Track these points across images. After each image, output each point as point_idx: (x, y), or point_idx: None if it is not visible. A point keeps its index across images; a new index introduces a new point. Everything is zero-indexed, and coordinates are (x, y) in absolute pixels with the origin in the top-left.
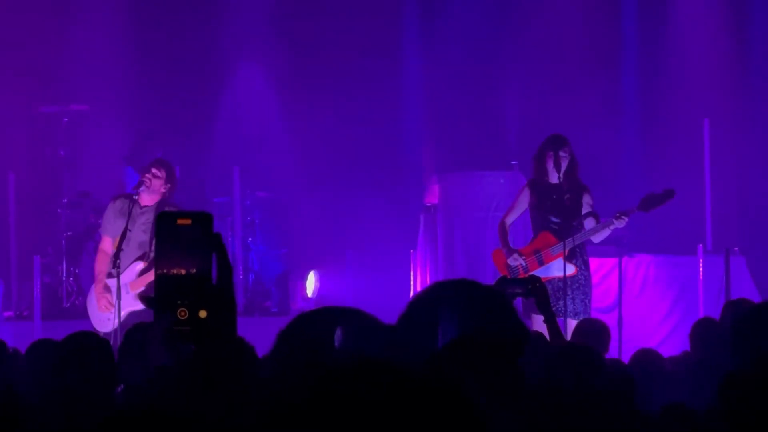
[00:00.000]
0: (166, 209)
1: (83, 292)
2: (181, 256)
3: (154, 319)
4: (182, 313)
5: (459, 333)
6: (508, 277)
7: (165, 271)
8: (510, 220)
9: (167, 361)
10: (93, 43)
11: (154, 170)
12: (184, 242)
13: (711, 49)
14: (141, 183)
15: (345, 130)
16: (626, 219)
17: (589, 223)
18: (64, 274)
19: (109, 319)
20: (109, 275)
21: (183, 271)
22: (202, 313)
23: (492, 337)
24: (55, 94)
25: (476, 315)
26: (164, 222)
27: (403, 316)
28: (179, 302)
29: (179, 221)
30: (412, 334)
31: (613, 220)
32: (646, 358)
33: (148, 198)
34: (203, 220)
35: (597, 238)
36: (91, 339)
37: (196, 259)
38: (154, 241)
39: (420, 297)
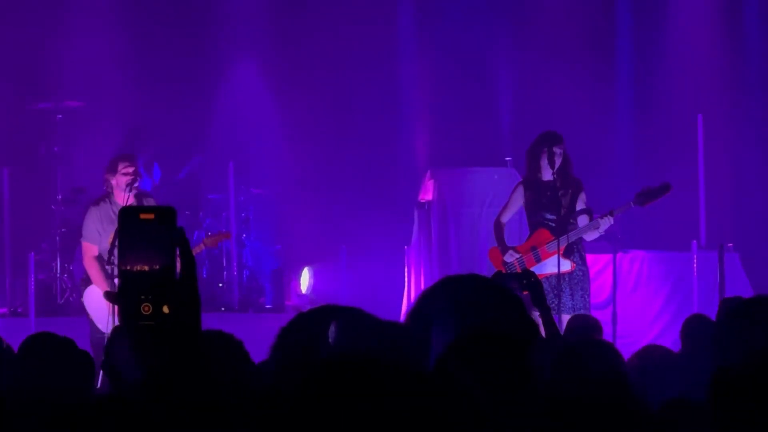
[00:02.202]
0: (145, 202)
1: (78, 289)
2: (144, 251)
3: (119, 316)
4: (146, 308)
5: (467, 328)
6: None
7: (128, 266)
8: (505, 218)
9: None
10: (87, 40)
11: (134, 169)
12: (148, 237)
13: (705, 44)
14: (134, 182)
15: (340, 127)
16: (611, 218)
17: (583, 220)
18: (59, 271)
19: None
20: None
21: (146, 267)
22: (166, 309)
23: (501, 332)
24: (50, 90)
25: (485, 310)
26: (127, 217)
27: (411, 311)
28: (143, 297)
29: (142, 216)
30: (421, 329)
31: (599, 219)
32: (651, 353)
33: (124, 196)
34: (166, 214)
35: (589, 237)
36: (51, 341)
37: (159, 253)
38: None
39: (429, 292)
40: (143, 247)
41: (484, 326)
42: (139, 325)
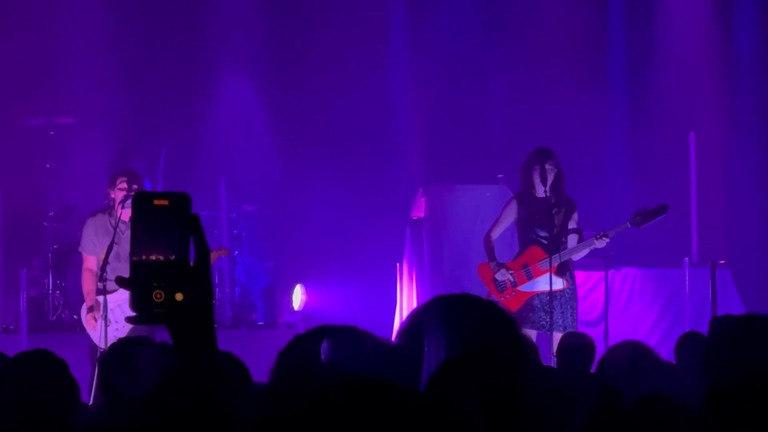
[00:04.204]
0: None
1: (70, 306)
2: (158, 239)
3: (130, 302)
4: (158, 296)
5: (459, 348)
6: (495, 291)
7: (142, 254)
8: (496, 234)
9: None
10: (79, 56)
11: (135, 186)
12: (161, 224)
13: (697, 62)
14: (127, 198)
15: (332, 144)
16: (606, 240)
17: (572, 239)
18: (51, 288)
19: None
20: (98, 291)
21: (160, 255)
22: (179, 296)
23: (493, 352)
24: (42, 107)
25: (478, 329)
26: (140, 202)
27: (402, 331)
28: (155, 284)
29: (156, 202)
30: (412, 349)
31: (594, 240)
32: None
33: (128, 212)
34: (181, 200)
35: (576, 256)
36: (46, 358)
37: (173, 241)
38: None
39: (420, 312)
40: (157, 235)
41: (478, 345)
42: (151, 313)
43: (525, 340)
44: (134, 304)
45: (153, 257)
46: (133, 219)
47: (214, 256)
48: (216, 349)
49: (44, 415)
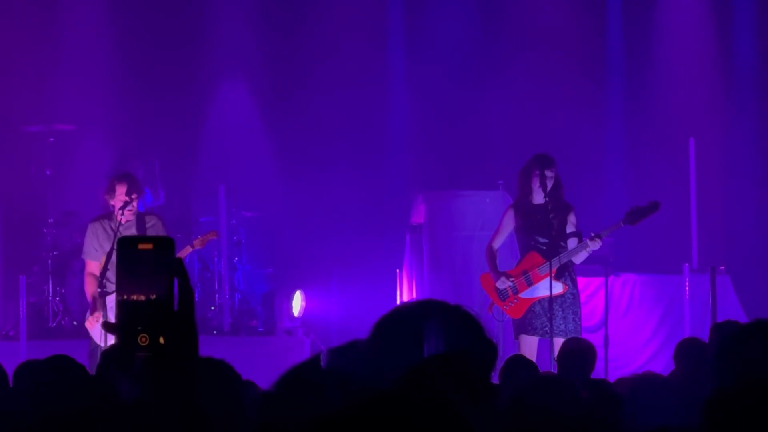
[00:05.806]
0: (146, 219)
1: (69, 312)
2: (142, 282)
3: (117, 346)
4: (143, 339)
5: (426, 353)
6: (498, 300)
7: (126, 297)
8: (497, 243)
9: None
10: (78, 63)
11: (134, 194)
12: (146, 267)
13: (696, 68)
14: (126, 205)
15: (331, 149)
16: (600, 240)
17: (572, 243)
18: (50, 294)
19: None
20: (101, 294)
21: (144, 297)
22: (162, 340)
23: (461, 355)
24: (41, 113)
25: (444, 334)
26: (125, 247)
27: (371, 337)
28: (140, 328)
29: (140, 246)
30: (380, 354)
31: (588, 242)
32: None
33: (127, 213)
34: (165, 244)
35: (577, 260)
36: (69, 362)
37: (157, 284)
38: None
39: (387, 318)
40: (141, 277)
41: (444, 349)
42: (136, 356)
43: (492, 342)
44: (120, 346)
45: (137, 297)
46: (119, 263)
47: (202, 241)
48: (195, 387)
49: (70, 417)
